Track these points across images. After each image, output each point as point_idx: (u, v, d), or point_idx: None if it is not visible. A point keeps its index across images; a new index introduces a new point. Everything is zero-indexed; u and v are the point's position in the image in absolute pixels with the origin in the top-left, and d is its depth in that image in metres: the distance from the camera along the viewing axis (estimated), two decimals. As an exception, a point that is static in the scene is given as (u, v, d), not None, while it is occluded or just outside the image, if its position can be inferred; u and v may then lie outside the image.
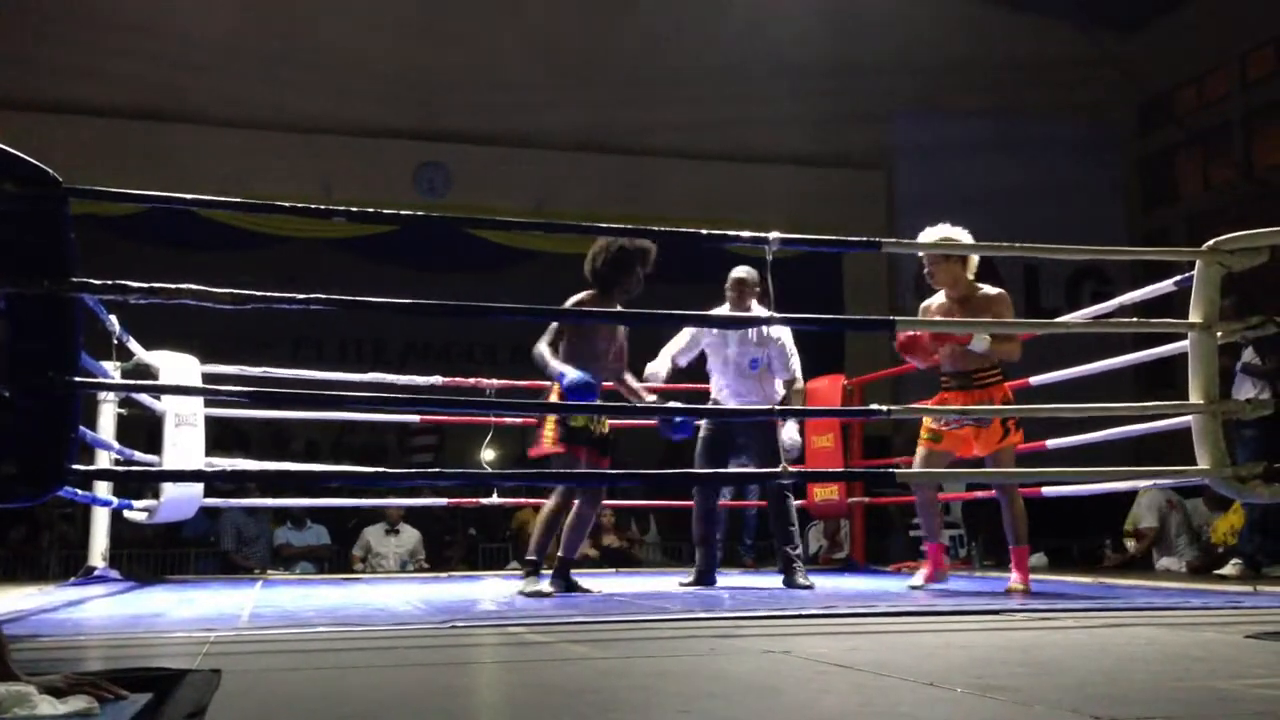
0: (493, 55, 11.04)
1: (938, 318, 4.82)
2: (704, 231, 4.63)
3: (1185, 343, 4.18)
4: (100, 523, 5.82)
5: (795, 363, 5.54)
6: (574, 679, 2.26)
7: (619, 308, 4.85)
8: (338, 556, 8.37)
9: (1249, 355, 6.25)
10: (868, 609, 3.72)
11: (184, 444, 5.53)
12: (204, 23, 10.40)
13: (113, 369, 5.28)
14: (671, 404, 5.14)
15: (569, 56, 11.26)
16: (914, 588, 4.90)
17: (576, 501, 4.76)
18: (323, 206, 4.03)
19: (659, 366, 5.57)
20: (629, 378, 4.97)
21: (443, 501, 6.99)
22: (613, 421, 4.85)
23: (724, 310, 5.50)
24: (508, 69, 10.98)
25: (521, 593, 4.57)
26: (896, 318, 4.78)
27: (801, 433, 5.83)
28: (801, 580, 5.25)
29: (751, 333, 5.43)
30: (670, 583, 5.65)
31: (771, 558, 6.46)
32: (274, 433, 9.93)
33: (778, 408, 5.26)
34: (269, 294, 3.47)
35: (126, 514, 5.77)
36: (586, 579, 5.10)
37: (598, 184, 11.08)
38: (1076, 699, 1.87)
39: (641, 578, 6.45)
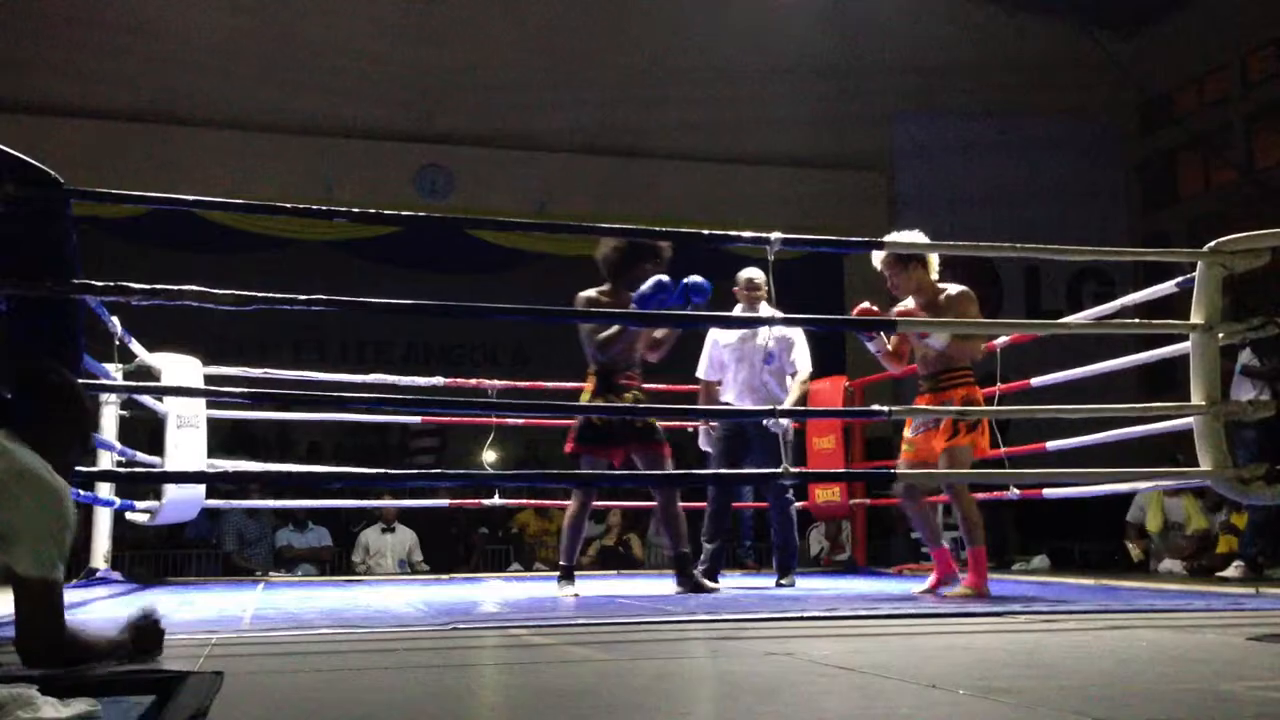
0: (493, 57, 11.05)
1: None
2: (705, 232, 4.64)
3: (1187, 344, 4.18)
4: (102, 524, 5.82)
5: (807, 357, 5.63)
6: (576, 681, 2.26)
7: (632, 297, 4.82)
8: (339, 558, 8.37)
9: (1246, 357, 6.24)
10: (870, 611, 3.72)
11: (186, 445, 5.53)
12: (205, 25, 10.42)
13: (115, 370, 5.28)
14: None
15: (570, 58, 11.26)
16: (924, 593, 4.82)
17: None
18: (324, 208, 4.04)
19: (711, 396, 5.68)
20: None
21: (444, 503, 6.99)
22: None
23: (736, 311, 5.57)
24: (508, 71, 10.98)
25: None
26: (898, 318, 4.76)
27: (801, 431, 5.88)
28: (783, 582, 5.51)
29: (765, 330, 5.47)
30: (672, 584, 5.65)
31: (767, 560, 6.46)
32: (278, 435, 9.93)
33: (778, 408, 5.26)
34: (270, 295, 3.48)
35: (129, 515, 5.77)
36: (587, 580, 5.10)
37: (599, 185, 11.08)
38: (1079, 701, 1.87)
39: (644, 579, 6.45)
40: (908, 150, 12.27)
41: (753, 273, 5.45)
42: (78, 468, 2.47)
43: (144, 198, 3.95)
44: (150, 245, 9.59)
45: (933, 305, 4.76)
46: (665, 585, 5.25)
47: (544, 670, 2.49)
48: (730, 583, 5.80)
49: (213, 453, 5.89)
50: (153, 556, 8.43)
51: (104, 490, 5.51)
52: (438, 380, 6.38)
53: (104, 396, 5.51)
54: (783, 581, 5.56)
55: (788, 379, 5.57)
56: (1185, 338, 4.21)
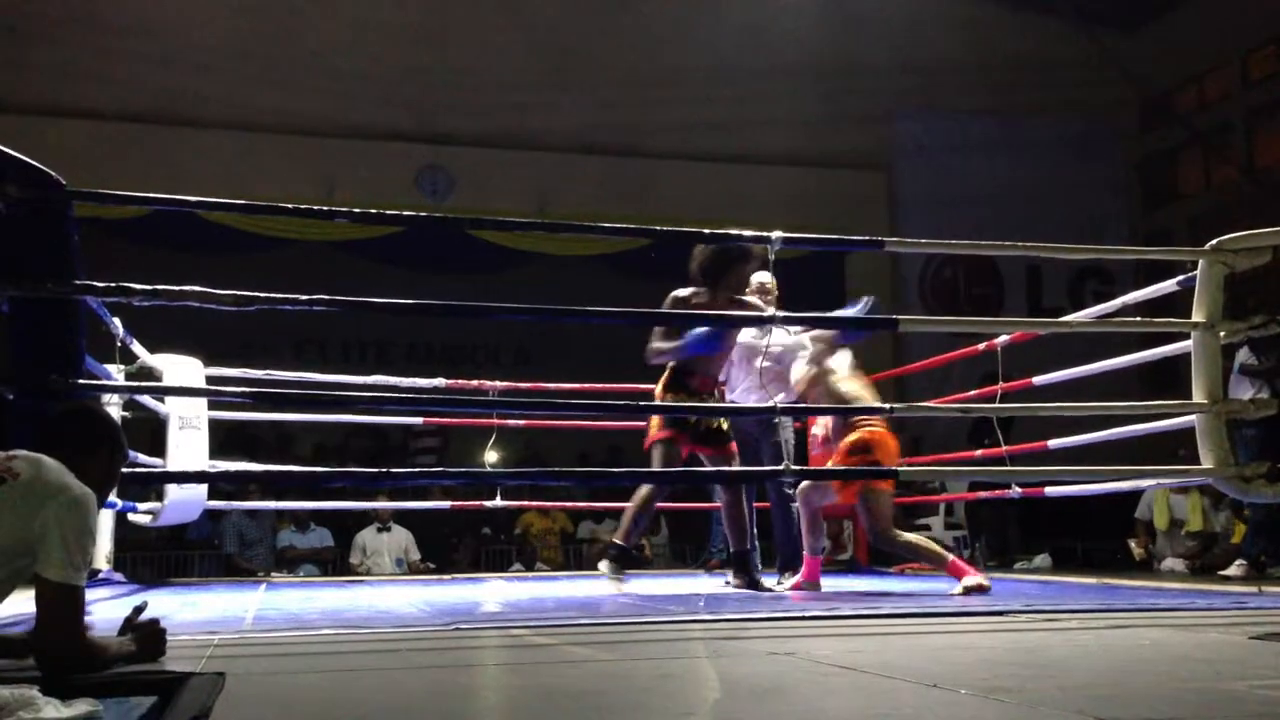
0: (493, 57, 11.04)
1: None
2: (706, 231, 4.64)
3: (1188, 342, 4.18)
4: (104, 525, 5.81)
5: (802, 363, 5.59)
6: (577, 681, 2.27)
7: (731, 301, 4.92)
8: (341, 559, 8.37)
9: (1245, 355, 6.24)
10: (871, 610, 3.71)
11: (188, 446, 5.53)
12: (206, 26, 10.42)
13: (116, 371, 5.27)
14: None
15: (570, 58, 11.26)
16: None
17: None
18: (325, 208, 4.04)
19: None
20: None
21: (446, 505, 6.99)
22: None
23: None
24: (509, 71, 10.98)
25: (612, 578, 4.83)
26: (900, 317, 4.77)
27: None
28: (783, 579, 5.59)
29: (775, 330, 5.51)
30: (674, 584, 5.65)
31: (771, 558, 6.46)
32: (278, 436, 9.93)
33: (780, 405, 5.27)
34: (272, 296, 3.48)
35: (131, 517, 5.77)
36: (589, 581, 5.11)
37: (599, 185, 11.08)
38: (1080, 700, 1.87)
39: (648, 579, 6.45)
40: (908, 149, 12.27)
41: (764, 276, 5.44)
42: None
43: (145, 199, 3.95)
44: (151, 246, 9.59)
45: None
46: (681, 584, 5.25)
47: (546, 670, 2.49)
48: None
49: (214, 454, 5.89)
50: (155, 558, 8.44)
51: (110, 493, 5.50)
52: (439, 381, 6.38)
53: (106, 397, 5.50)
54: (782, 580, 5.59)
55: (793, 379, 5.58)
56: (1186, 336, 4.21)
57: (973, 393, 6.23)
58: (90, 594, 2.27)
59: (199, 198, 3.96)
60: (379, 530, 8.16)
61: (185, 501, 5.76)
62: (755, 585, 4.96)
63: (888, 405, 4.25)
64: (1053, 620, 3.45)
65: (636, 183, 11.18)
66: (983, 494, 6.56)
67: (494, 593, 5.13)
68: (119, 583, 5.67)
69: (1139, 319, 4.82)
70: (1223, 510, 7.39)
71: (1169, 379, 7.73)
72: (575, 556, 9.08)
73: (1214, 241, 4.10)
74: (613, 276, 10.42)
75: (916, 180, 12.08)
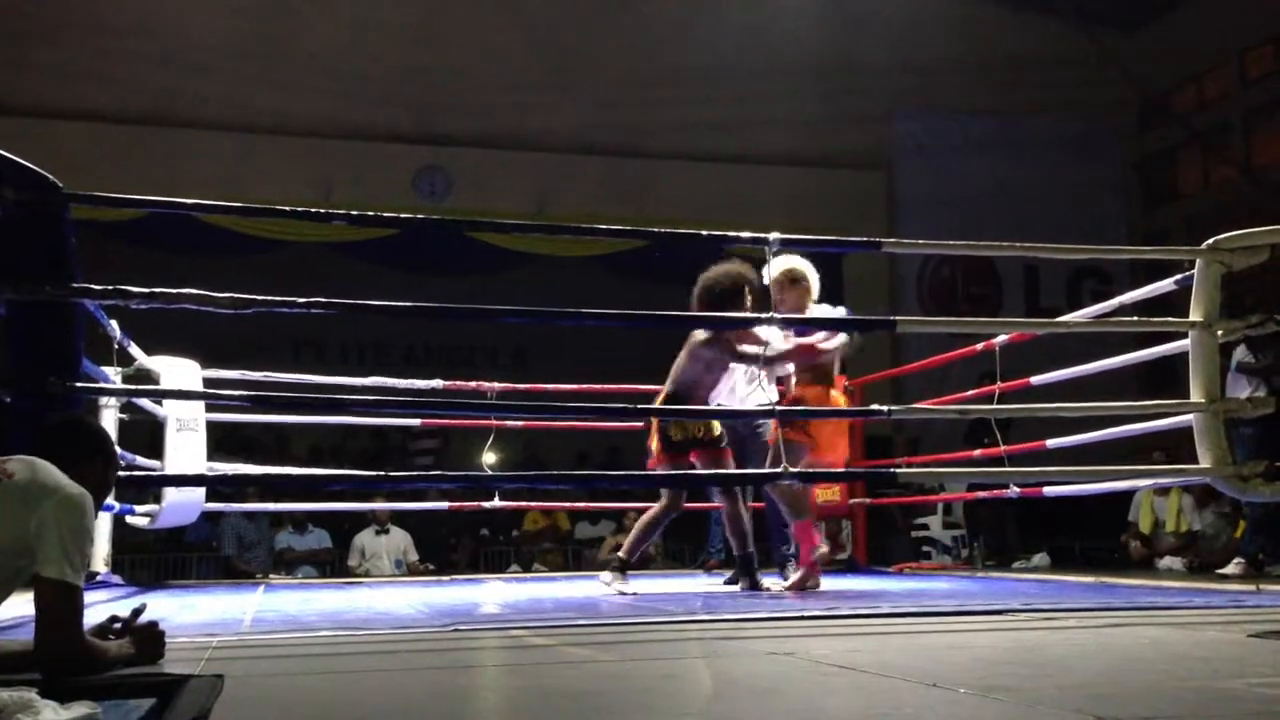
0: (491, 58, 11.05)
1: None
2: (704, 233, 4.64)
3: (1186, 342, 4.18)
4: (102, 528, 5.81)
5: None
6: (576, 682, 2.26)
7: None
8: (339, 561, 8.36)
9: (1241, 354, 6.24)
10: (870, 610, 3.71)
11: (185, 449, 5.52)
12: (203, 27, 10.41)
13: (114, 374, 5.27)
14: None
15: (568, 59, 11.26)
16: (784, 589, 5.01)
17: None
18: (323, 210, 4.04)
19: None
20: None
21: (444, 506, 6.99)
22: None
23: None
24: (506, 72, 10.98)
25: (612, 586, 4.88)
26: (898, 317, 4.77)
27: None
28: (786, 575, 5.61)
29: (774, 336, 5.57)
30: (675, 585, 5.65)
31: (765, 560, 6.47)
32: (275, 438, 9.92)
33: (778, 408, 5.30)
34: (269, 298, 3.48)
35: (129, 519, 5.77)
36: (587, 582, 5.12)
37: (597, 186, 11.08)
38: (1079, 699, 1.87)
39: (647, 579, 6.45)
40: (906, 149, 12.28)
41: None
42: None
43: (142, 201, 3.94)
44: (149, 248, 9.58)
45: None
46: (679, 585, 5.25)
47: (545, 671, 2.49)
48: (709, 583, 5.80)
49: (210, 455, 5.89)
50: (153, 560, 8.43)
51: (105, 500, 5.50)
52: (437, 383, 6.37)
53: (103, 400, 5.50)
54: (786, 577, 5.60)
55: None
56: (1184, 335, 4.21)
57: (970, 393, 6.23)
58: (88, 597, 2.27)
59: (196, 200, 3.96)
60: (377, 532, 8.15)
61: (183, 504, 5.76)
62: (756, 586, 5.00)
63: (885, 408, 4.25)
64: (1051, 619, 3.45)
65: (635, 183, 11.19)
66: (981, 494, 6.56)
67: (492, 594, 5.13)
68: (117, 585, 5.67)
69: (1136, 319, 4.83)
70: (1207, 510, 7.41)
71: (1166, 378, 7.74)
72: (574, 557, 9.08)
73: (1211, 240, 4.10)
74: (611, 277, 10.43)
75: (915, 180, 12.08)
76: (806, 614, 3.58)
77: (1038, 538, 8.36)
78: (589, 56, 11.29)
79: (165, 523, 5.87)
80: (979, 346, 5.91)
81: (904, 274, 11.83)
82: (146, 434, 6.11)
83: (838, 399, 5.04)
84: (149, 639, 2.39)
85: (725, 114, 11.28)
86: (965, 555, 8.17)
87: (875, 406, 4.30)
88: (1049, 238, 4.83)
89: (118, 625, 2.46)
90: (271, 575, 7.63)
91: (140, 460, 5.54)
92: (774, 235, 3.93)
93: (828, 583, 5.88)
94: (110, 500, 5.48)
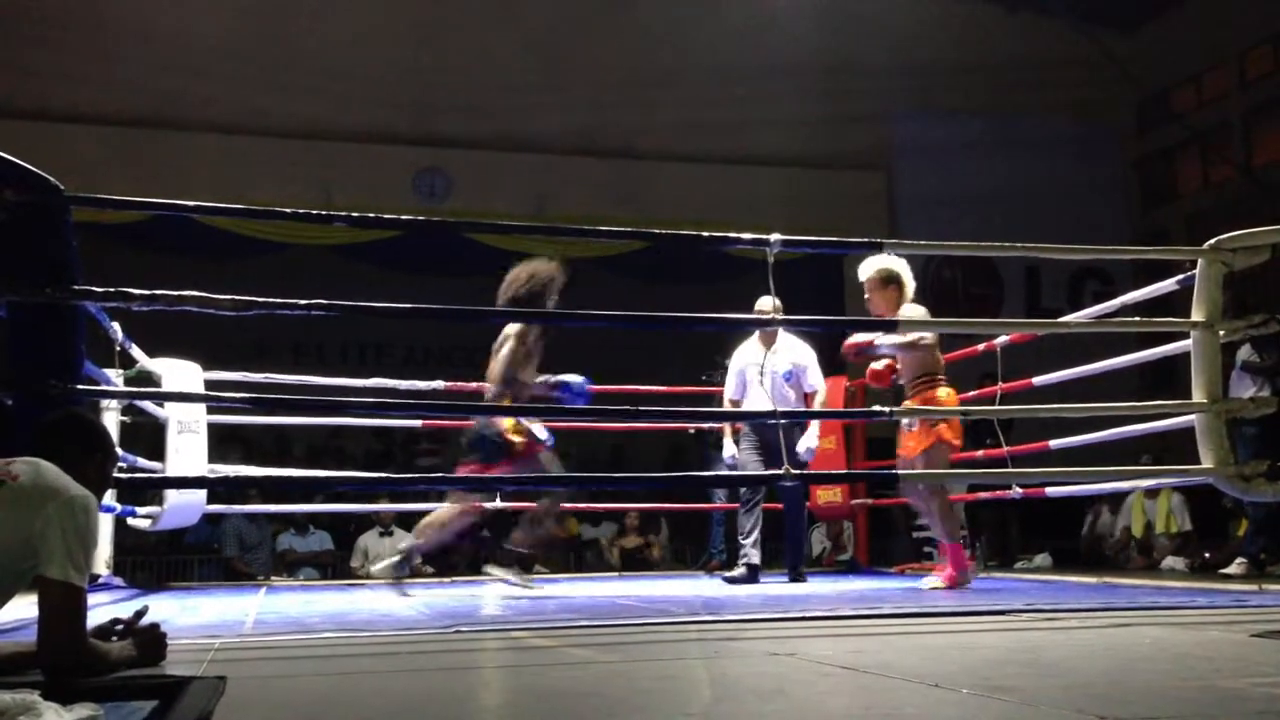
0: (490, 60, 11.04)
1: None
2: (705, 234, 4.64)
3: (1187, 342, 4.18)
4: (104, 530, 5.81)
5: (820, 376, 6.08)
6: (578, 683, 2.26)
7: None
8: (341, 562, 8.36)
9: (1246, 353, 6.24)
10: (872, 611, 3.71)
11: (187, 451, 5.53)
12: (203, 29, 10.40)
13: (115, 376, 5.28)
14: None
15: (567, 60, 11.25)
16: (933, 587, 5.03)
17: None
18: (323, 212, 4.04)
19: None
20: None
21: (444, 507, 6.98)
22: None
23: (752, 342, 6.01)
24: (506, 73, 10.97)
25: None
26: (900, 318, 4.77)
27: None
28: (797, 578, 5.86)
29: (783, 348, 5.89)
30: (676, 585, 5.66)
31: (774, 560, 6.49)
32: (275, 440, 9.92)
33: (780, 409, 5.41)
34: (270, 300, 3.48)
35: (130, 521, 5.77)
36: (589, 583, 5.13)
37: (597, 187, 11.07)
38: (1082, 699, 1.87)
39: (649, 580, 6.45)
40: (906, 150, 12.26)
41: (764, 304, 5.46)
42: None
43: (143, 204, 3.95)
44: (150, 251, 9.58)
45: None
46: (681, 585, 5.25)
47: (546, 672, 2.49)
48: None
49: (211, 457, 5.89)
50: (154, 562, 8.43)
51: (106, 496, 5.50)
52: (438, 384, 6.37)
53: (105, 402, 5.50)
54: (796, 578, 5.87)
55: (804, 396, 6.01)
56: (1185, 335, 4.21)
57: (972, 393, 6.23)
58: (90, 599, 2.26)
59: (197, 202, 3.96)
60: (381, 534, 8.15)
61: (185, 506, 5.76)
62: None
63: (886, 408, 4.25)
64: (1054, 619, 3.45)
65: (635, 184, 11.18)
66: (983, 494, 6.55)
67: (494, 595, 5.13)
68: (118, 587, 5.67)
69: (1138, 319, 4.83)
70: (1185, 511, 7.44)
71: (1168, 379, 7.74)
72: (575, 559, 9.08)
73: (1212, 240, 4.09)
74: (611, 278, 10.42)
75: (916, 181, 12.07)
76: (808, 615, 3.58)
77: (1040, 538, 8.36)
78: (588, 57, 11.28)
79: (167, 525, 5.87)
80: (980, 347, 5.92)
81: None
82: (148, 436, 6.11)
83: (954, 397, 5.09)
84: (151, 641, 2.39)
85: (725, 115, 11.27)
86: (967, 555, 8.16)
87: (877, 408, 4.30)
88: (1049, 238, 4.82)
89: (119, 627, 2.46)
90: (273, 577, 7.63)
91: (142, 462, 5.55)
92: (775, 236, 3.93)
93: (826, 584, 5.89)
94: (112, 502, 5.49)
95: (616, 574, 7.55)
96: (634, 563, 8.60)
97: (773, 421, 5.59)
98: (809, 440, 5.98)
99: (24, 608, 2.39)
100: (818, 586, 5.57)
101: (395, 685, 2.29)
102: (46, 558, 2.15)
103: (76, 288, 3.27)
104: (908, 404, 4.96)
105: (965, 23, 11.90)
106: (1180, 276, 4.34)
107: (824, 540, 8.37)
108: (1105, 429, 5.03)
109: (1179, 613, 3.62)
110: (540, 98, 10.96)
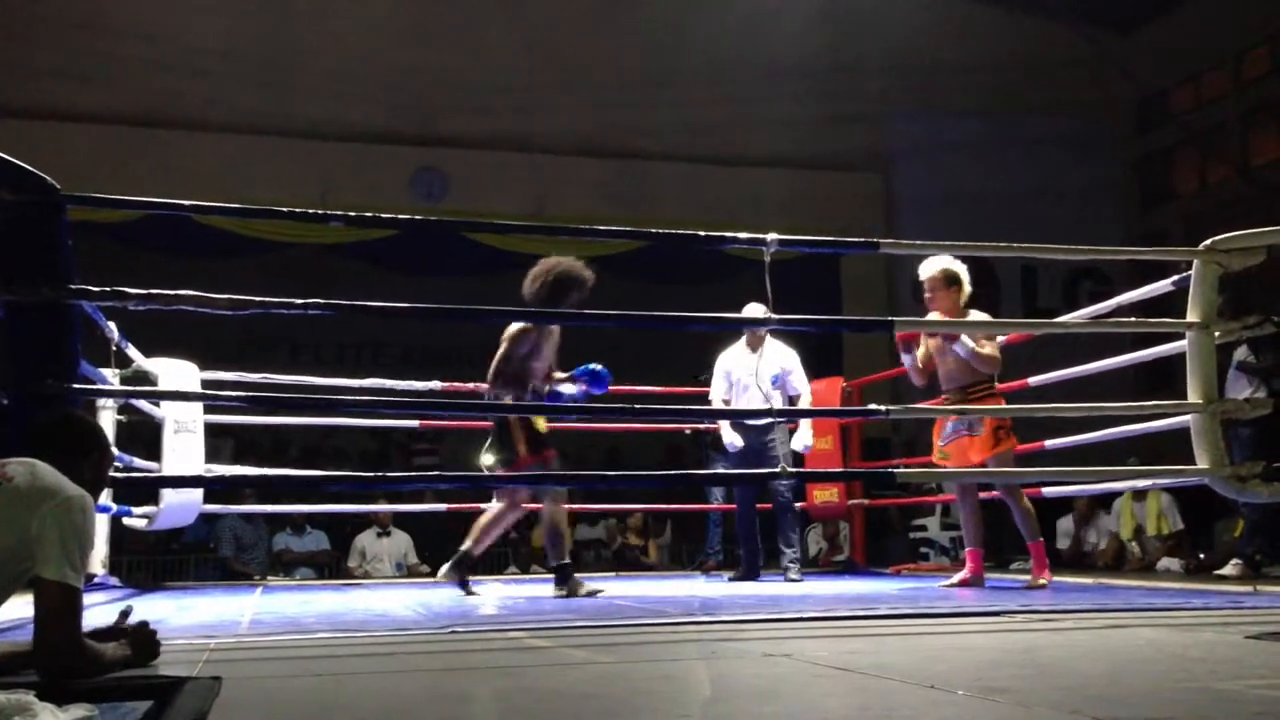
0: (489, 60, 11.04)
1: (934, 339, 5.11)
2: (702, 234, 4.64)
3: (1183, 342, 4.18)
4: (100, 530, 5.81)
5: (804, 379, 6.15)
6: (574, 684, 2.26)
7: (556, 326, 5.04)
8: (338, 562, 8.35)
9: (1243, 353, 6.24)
10: (868, 611, 3.71)
11: (183, 450, 5.52)
12: (201, 29, 10.40)
13: (112, 375, 5.27)
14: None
15: (566, 60, 11.25)
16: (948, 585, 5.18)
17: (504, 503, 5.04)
18: (320, 211, 4.03)
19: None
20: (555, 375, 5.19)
21: (442, 507, 6.99)
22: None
23: (739, 346, 6.07)
24: (504, 73, 10.98)
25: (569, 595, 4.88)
26: (895, 318, 4.77)
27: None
28: (794, 577, 5.86)
29: (770, 354, 5.94)
30: (671, 586, 5.66)
31: (771, 560, 6.50)
32: (272, 440, 9.91)
33: (775, 408, 5.48)
34: (267, 299, 3.47)
35: (126, 521, 5.76)
36: (592, 584, 5.16)
37: (595, 187, 11.08)
38: (1077, 700, 1.87)
39: (646, 580, 6.46)
40: (904, 150, 12.27)
41: (754, 310, 5.46)
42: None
43: (140, 203, 3.94)
44: (146, 250, 9.57)
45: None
46: (678, 586, 5.25)
47: (543, 673, 2.49)
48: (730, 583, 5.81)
49: (208, 458, 5.88)
50: (150, 562, 8.42)
51: (102, 496, 5.50)
52: (435, 384, 6.37)
53: (101, 402, 5.49)
54: (792, 577, 5.89)
55: (789, 399, 6.07)
56: (1182, 336, 4.21)
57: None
58: (85, 598, 2.26)
59: (193, 201, 3.96)
60: (379, 535, 8.14)
61: (181, 505, 5.75)
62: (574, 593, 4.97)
63: (883, 407, 4.24)
64: (1049, 620, 3.45)
65: (633, 184, 11.18)
66: (981, 495, 6.55)
67: (490, 595, 5.13)
68: (114, 587, 5.66)
69: (1134, 319, 4.83)
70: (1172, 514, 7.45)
71: (1163, 379, 7.75)
72: (571, 559, 9.06)
73: (1208, 241, 4.09)
74: (609, 279, 10.40)
75: (913, 181, 12.08)
76: (804, 615, 3.58)
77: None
78: (586, 57, 11.29)
79: (163, 524, 5.86)
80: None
81: (902, 275, 11.83)
82: (144, 436, 6.11)
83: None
84: (144, 641, 2.39)
85: (723, 115, 11.28)
86: (963, 556, 8.16)
87: (873, 406, 4.30)
88: (1047, 238, 4.83)
89: (105, 628, 2.45)
90: (269, 577, 7.62)
91: (138, 462, 5.54)
92: (772, 236, 3.93)
93: (823, 584, 5.90)
94: (108, 502, 5.49)
95: (613, 574, 7.54)
96: (631, 563, 8.60)
97: (767, 421, 5.65)
98: (804, 438, 6.07)
99: (20, 608, 2.39)
100: (814, 587, 5.57)
101: (391, 686, 2.29)
102: (43, 558, 2.15)
103: (73, 287, 3.26)
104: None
105: (963, 23, 11.91)
106: (1176, 277, 4.35)
107: (820, 540, 8.37)
108: (1100, 429, 5.04)
109: (1174, 614, 3.62)
110: (538, 98, 10.96)
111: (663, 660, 2.63)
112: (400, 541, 8.19)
